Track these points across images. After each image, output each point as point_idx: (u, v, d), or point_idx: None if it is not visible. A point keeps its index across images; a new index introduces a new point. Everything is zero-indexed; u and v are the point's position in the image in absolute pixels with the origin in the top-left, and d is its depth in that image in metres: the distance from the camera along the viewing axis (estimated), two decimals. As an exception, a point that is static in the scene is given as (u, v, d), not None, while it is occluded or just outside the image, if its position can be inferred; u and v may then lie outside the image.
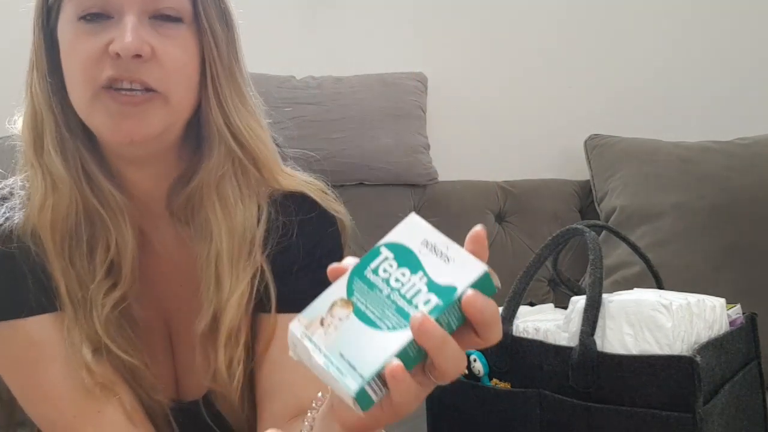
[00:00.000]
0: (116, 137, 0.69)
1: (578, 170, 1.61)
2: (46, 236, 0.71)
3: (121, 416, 0.72)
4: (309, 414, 0.61)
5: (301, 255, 0.77)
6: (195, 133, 0.75)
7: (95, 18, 0.68)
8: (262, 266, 0.75)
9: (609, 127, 1.60)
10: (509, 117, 1.69)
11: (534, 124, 1.70)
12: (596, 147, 1.57)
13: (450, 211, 1.53)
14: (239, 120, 0.73)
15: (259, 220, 0.76)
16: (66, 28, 0.69)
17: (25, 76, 0.73)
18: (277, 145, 0.81)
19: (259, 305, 0.76)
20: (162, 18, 0.69)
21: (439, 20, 1.69)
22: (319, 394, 0.62)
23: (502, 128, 1.69)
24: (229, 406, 0.77)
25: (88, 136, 0.73)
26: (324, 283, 0.52)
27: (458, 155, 1.66)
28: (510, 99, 1.70)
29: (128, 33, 0.66)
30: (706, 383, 0.70)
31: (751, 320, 0.86)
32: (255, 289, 0.75)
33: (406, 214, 0.56)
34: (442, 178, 1.59)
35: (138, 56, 0.66)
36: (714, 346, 0.75)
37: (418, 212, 1.64)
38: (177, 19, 0.69)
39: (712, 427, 0.72)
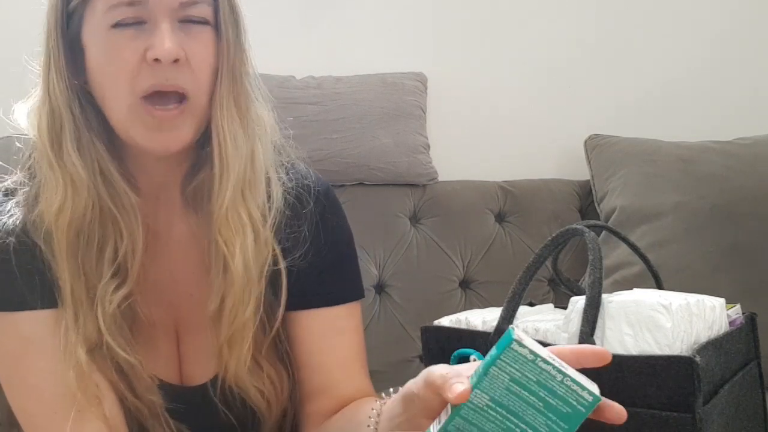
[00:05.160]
0: (153, 148, 0.72)
1: (578, 170, 1.61)
2: (61, 236, 0.72)
3: (98, 422, 0.73)
4: (371, 416, 0.67)
5: (321, 251, 0.81)
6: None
7: (129, 25, 0.69)
8: (275, 255, 0.78)
9: (609, 127, 1.60)
10: (509, 117, 1.69)
11: (534, 124, 1.69)
12: (596, 147, 1.57)
13: (450, 211, 1.53)
14: (226, 124, 0.74)
15: (270, 208, 0.78)
16: (97, 35, 0.71)
17: (41, 74, 0.74)
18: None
19: (291, 303, 0.80)
20: (190, 22, 0.71)
21: (439, 20, 1.68)
22: (383, 396, 0.70)
23: (502, 128, 1.69)
24: (240, 387, 0.79)
25: (108, 135, 0.75)
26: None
27: (458, 155, 1.65)
28: (510, 99, 1.69)
29: (167, 39, 0.68)
30: (706, 383, 0.70)
31: (750, 320, 0.86)
32: (266, 276, 0.78)
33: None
34: (442, 178, 1.59)
35: (176, 61, 0.69)
36: (714, 346, 0.75)
37: (418, 212, 1.64)
38: (203, 23, 0.72)
39: (712, 428, 0.72)
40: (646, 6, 1.70)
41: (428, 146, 1.58)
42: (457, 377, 0.51)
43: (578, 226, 0.83)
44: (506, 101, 1.69)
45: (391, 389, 0.71)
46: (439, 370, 0.54)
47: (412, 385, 0.58)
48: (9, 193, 0.77)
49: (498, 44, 1.69)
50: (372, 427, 0.67)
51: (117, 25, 0.69)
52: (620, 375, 0.72)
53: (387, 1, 1.68)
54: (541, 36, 1.70)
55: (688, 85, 1.70)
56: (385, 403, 0.68)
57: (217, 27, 0.73)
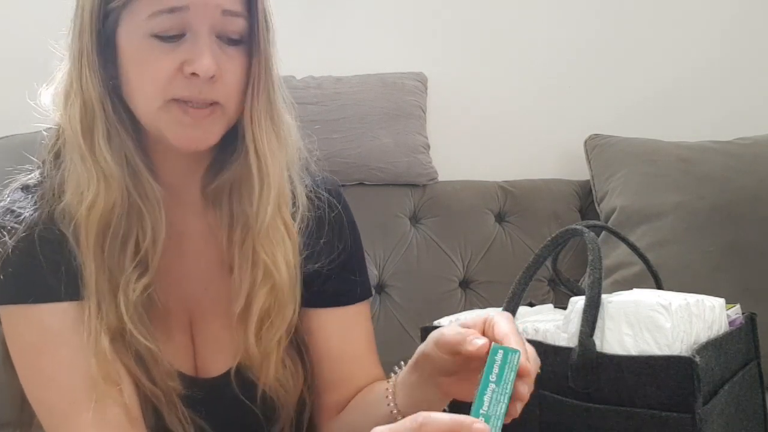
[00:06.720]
0: (182, 145, 0.74)
1: (578, 170, 1.61)
2: (91, 230, 0.73)
3: (118, 409, 0.73)
4: (388, 387, 0.74)
5: (339, 253, 0.85)
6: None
7: (171, 38, 0.71)
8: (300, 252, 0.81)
9: (609, 127, 1.60)
10: (509, 117, 1.69)
11: (534, 124, 1.69)
12: (596, 147, 1.57)
13: (450, 211, 1.53)
14: (264, 141, 0.77)
15: (297, 213, 0.82)
16: (135, 39, 0.72)
17: (72, 67, 0.75)
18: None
19: (308, 301, 0.84)
20: (226, 39, 0.73)
21: (439, 20, 1.68)
22: (393, 374, 0.75)
23: (502, 128, 1.69)
24: (263, 379, 0.82)
25: (134, 128, 0.76)
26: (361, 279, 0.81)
27: (458, 155, 1.66)
28: (510, 99, 1.69)
29: (207, 56, 0.70)
30: (706, 384, 0.70)
31: (750, 320, 0.86)
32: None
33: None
34: (442, 178, 1.59)
35: (212, 77, 0.71)
36: (713, 346, 0.75)
37: (418, 212, 1.64)
38: (238, 41, 0.74)
39: (712, 428, 0.72)
40: (647, 6, 1.70)
41: (428, 146, 1.58)
42: (474, 334, 0.60)
43: (578, 227, 0.83)
44: (506, 101, 1.69)
45: (398, 365, 0.77)
46: (454, 329, 0.63)
47: (423, 347, 0.67)
48: (28, 187, 0.78)
49: (498, 44, 1.69)
50: (390, 398, 0.74)
51: (157, 37, 0.71)
52: (620, 375, 0.72)
53: (387, 1, 1.68)
54: (541, 36, 1.70)
55: (688, 85, 1.70)
56: (398, 375, 0.74)
57: (251, 43, 0.74)
